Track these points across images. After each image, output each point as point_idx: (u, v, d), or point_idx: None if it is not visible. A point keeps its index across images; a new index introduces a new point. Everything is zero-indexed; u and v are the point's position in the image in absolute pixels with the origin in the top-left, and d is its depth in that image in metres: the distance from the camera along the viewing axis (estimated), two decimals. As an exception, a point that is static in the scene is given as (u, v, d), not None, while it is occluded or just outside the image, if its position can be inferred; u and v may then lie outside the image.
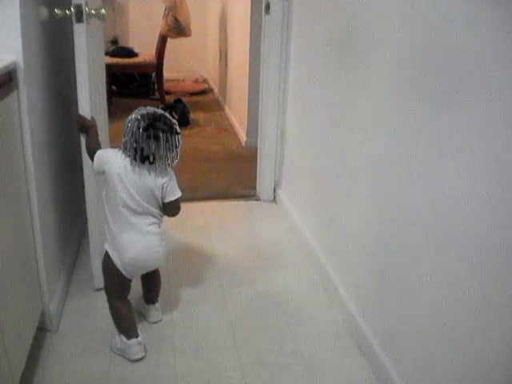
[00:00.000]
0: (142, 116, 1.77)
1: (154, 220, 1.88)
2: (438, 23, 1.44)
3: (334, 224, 2.32)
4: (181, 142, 1.82)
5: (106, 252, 1.88)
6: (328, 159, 2.37)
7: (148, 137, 1.74)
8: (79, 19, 1.94)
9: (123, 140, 1.80)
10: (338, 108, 2.21)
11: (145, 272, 2.01)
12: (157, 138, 1.75)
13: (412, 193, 1.60)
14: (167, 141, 1.77)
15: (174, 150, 1.81)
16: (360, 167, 1.99)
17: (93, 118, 2.06)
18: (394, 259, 1.74)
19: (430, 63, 1.48)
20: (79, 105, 2.02)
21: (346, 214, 2.16)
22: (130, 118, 1.79)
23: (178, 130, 1.81)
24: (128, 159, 1.79)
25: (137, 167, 1.79)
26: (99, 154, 1.87)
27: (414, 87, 1.57)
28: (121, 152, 1.82)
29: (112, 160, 1.82)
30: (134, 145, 1.76)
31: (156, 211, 1.88)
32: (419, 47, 1.53)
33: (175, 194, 1.89)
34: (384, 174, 1.79)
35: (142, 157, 1.78)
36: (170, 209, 1.91)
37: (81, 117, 2.01)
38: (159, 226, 1.91)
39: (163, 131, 1.76)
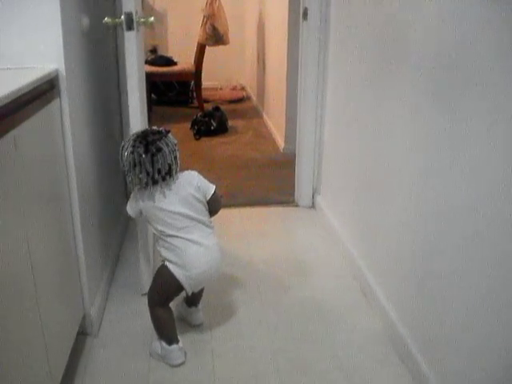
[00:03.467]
0: (133, 146, 1.80)
1: (209, 230, 1.91)
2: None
3: (373, 230, 2.30)
4: (175, 138, 1.86)
5: (166, 266, 1.88)
6: (367, 166, 2.34)
7: (153, 155, 1.78)
8: (130, 27, 2.00)
9: (134, 180, 1.84)
10: (378, 116, 2.19)
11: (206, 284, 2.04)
12: (159, 150, 1.78)
13: (451, 202, 1.58)
14: (167, 145, 1.81)
15: (176, 148, 1.84)
16: (399, 175, 1.97)
17: None
18: (434, 266, 1.71)
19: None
20: (130, 110, 2.06)
21: (385, 221, 2.13)
22: (122, 156, 1.83)
23: (166, 129, 1.86)
24: (154, 189, 1.83)
25: (161, 188, 1.83)
26: (131, 210, 1.94)
27: (453, 97, 1.55)
28: (141, 190, 1.87)
29: (139, 200, 1.88)
30: (149, 171, 1.79)
31: (206, 219, 1.91)
32: (451, 58, 1.51)
33: (211, 187, 1.92)
34: (423, 183, 1.77)
35: (162, 176, 1.81)
36: (214, 204, 1.95)
37: None
38: (215, 236, 1.94)
39: (159, 140, 1.80)
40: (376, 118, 2.21)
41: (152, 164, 1.78)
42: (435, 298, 1.71)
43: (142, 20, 2.12)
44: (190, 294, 1.94)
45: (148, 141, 1.79)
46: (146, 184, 1.82)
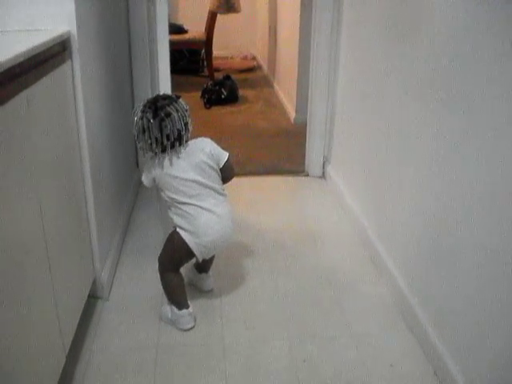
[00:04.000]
0: (142, 111, 1.79)
1: (221, 198, 1.91)
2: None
3: (383, 200, 2.29)
4: (187, 104, 1.85)
5: (177, 233, 1.88)
6: (379, 136, 2.33)
7: (162, 119, 1.77)
8: None
9: (143, 145, 1.84)
10: (391, 83, 2.17)
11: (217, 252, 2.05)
12: (168, 115, 1.77)
13: (465, 172, 1.56)
14: (177, 110, 1.79)
15: (186, 114, 1.83)
16: (413, 145, 1.95)
17: None
18: (445, 236, 1.70)
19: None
20: (159, 74, 2.07)
21: (396, 190, 2.12)
22: (134, 121, 1.82)
23: (177, 94, 1.85)
24: (162, 156, 1.83)
25: (174, 155, 1.82)
26: (146, 179, 1.92)
27: (468, 78, 1.53)
28: (152, 158, 1.87)
29: (152, 168, 1.87)
30: (157, 136, 1.78)
31: (218, 187, 1.90)
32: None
33: (224, 154, 1.92)
34: (438, 151, 1.75)
35: (171, 142, 1.80)
36: (228, 171, 1.94)
37: None
38: (228, 203, 1.93)
39: (168, 105, 1.79)
40: (390, 87, 2.19)
41: (160, 129, 1.77)
42: (445, 267, 1.71)
43: None
44: (200, 260, 1.95)
45: (157, 106, 1.78)
46: (156, 150, 1.82)
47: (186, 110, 1.83)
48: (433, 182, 1.78)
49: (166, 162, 1.83)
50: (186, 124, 1.82)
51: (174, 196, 1.85)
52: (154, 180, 1.89)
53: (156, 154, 1.84)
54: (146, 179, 1.92)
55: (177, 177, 1.83)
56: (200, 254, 1.89)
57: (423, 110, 1.85)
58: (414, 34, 1.92)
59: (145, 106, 1.81)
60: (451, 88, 1.64)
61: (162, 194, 1.89)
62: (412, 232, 1.97)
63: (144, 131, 1.79)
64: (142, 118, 1.79)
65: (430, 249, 1.81)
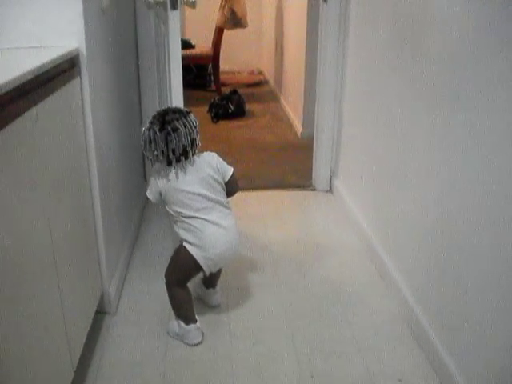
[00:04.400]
0: (151, 122, 1.81)
1: (227, 211, 1.92)
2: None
3: (391, 214, 2.29)
4: (196, 120, 1.85)
5: (184, 247, 1.88)
6: (386, 150, 2.33)
7: (168, 133, 1.77)
8: (174, 6, 2.03)
9: (149, 156, 1.84)
10: (399, 98, 2.18)
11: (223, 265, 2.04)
12: (175, 129, 1.78)
13: (473, 185, 1.56)
14: (185, 126, 1.80)
15: (195, 130, 1.83)
16: (420, 158, 1.95)
17: None
18: (453, 249, 1.70)
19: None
20: (172, 91, 2.09)
21: (405, 204, 2.12)
22: (141, 131, 1.84)
23: (187, 110, 1.86)
24: (169, 169, 1.84)
25: (180, 169, 1.83)
26: (152, 195, 1.91)
27: (472, 83, 1.53)
28: (157, 170, 1.87)
29: (158, 181, 1.86)
30: (163, 149, 1.79)
31: (224, 200, 1.91)
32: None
33: (229, 168, 1.93)
34: (443, 166, 1.75)
35: (176, 157, 1.81)
36: (232, 186, 1.95)
37: None
38: (233, 217, 1.94)
39: (177, 120, 1.79)
40: (397, 102, 2.19)
41: (166, 143, 1.78)
42: (453, 281, 1.70)
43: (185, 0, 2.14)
44: (208, 274, 1.95)
45: (165, 119, 1.79)
46: (162, 161, 1.83)
47: (195, 126, 1.84)
48: (441, 196, 1.78)
49: (172, 175, 1.84)
50: (193, 140, 1.83)
51: (179, 210, 1.86)
52: (159, 194, 1.89)
53: (162, 164, 1.85)
54: (150, 194, 1.91)
55: (183, 190, 1.84)
56: (207, 268, 1.90)
57: (432, 124, 1.85)
58: (423, 50, 1.93)
59: (154, 117, 1.83)
60: (461, 101, 1.64)
61: (168, 208, 1.89)
62: (420, 245, 1.97)
63: (150, 142, 1.80)
64: (149, 129, 1.80)
65: (438, 262, 1.81)
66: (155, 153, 1.81)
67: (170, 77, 2.11)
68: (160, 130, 1.78)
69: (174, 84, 2.09)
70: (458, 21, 1.64)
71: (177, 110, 1.84)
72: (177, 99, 2.10)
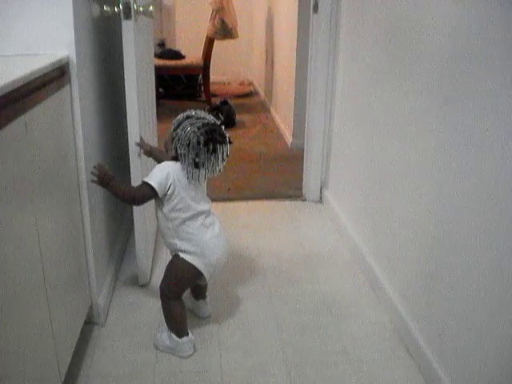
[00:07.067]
0: (199, 128, 1.75)
1: (215, 217, 1.92)
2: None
3: (382, 225, 2.29)
4: (229, 152, 1.83)
5: (182, 259, 1.86)
6: (376, 160, 2.33)
7: (208, 151, 1.75)
8: (127, 16, 1.96)
9: (180, 152, 1.77)
10: (388, 110, 2.18)
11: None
12: (215, 151, 1.76)
13: (463, 195, 1.56)
14: (223, 152, 1.79)
15: (226, 159, 1.82)
16: (410, 169, 1.95)
17: (141, 138, 2.12)
18: (445, 260, 1.69)
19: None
20: (127, 102, 2.04)
21: (396, 215, 2.12)
22: (184, 126, 1.76)
23: (230, 139, 1.83)
24: (184, 169, 1.79)
25: (194, 176, 1.80)
26: (156, 182, 1.79)
27: (462, 92, 1.53)
28: (172, 165, 1.81)
29: (171, 178, 1.79)
30: (196, 159, 1.76)
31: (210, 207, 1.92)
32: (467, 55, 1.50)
33: None
34: (434, 176, 1.75)
35: (198, 166, 1.78)
36: None
37: (100, 167, 1.85)
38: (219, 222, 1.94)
39: (220, 143, 1.77)
40: (386, 113, 2.19)
41: (198, 155, 1.75)
42: (444, 292, 1.70)
43: (141, 9, 2.07)
44: (208, 281, 1.96)
45: (213, 137, 1.75)
46: (187, 164, 1.78)
47: (227, 156, 1.81)
48: (433, 207, 1.78)
49: (186, 177, 1.80)
50: (219, 170, 1.82)
51: (179, 212, 1.82)
52: (167, 187, 1.80)
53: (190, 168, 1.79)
54: (156, 183, 1.78)
55: (192, 192, 1.82)
56: (208, 274, 1.89)
57: (422, 134, 1.85)
58: (413, 55, 1.93)
59: (205, 125, 1.76)
60: (454, 113, 1.65)
61: (165, 210, 1.84)
62: (411, 256, 1.97)
63: (188, 144, 1.75)
64: (194, 132, 1.74)
65: (430, 273, 1.80)
66: (184, 153, 1.76)
67: (126, 94, 2.03)
68: (204, 144, 1.74)
69: (129, 96, 2.03)
70: (451, 26, 1.64)
71: (224, 134, 1.80)
72: (133, 114, 2.04)
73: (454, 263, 1.63)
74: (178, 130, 1.78)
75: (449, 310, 1.68)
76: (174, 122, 1.82)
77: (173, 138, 1.80)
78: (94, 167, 1.84)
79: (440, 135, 1.70)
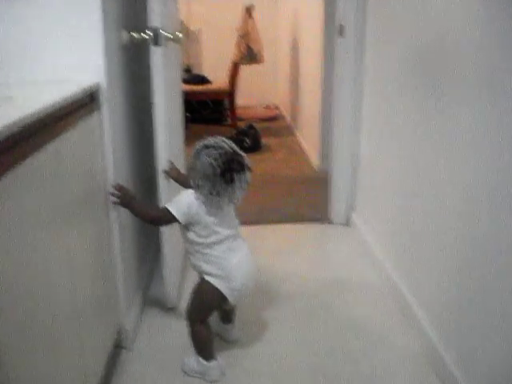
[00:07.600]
0: (216, 159, 1.73)
1: (243, 241, 1.92)
2: None
3: (412, 249, 2.25)
4: (250, 177, 1.80)
5: (207, 282, 1.86)
6: (407, 183, 2.31)
7: (226, 181, 1.74)
8: (156, 42, 1.99)
9: (196, 183, 1.77)
10: (416, 132, 2.16)
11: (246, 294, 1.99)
12: (232, 181, 1.75)
13: (500, 221, 1.53)
14: (240, 181, 1.77)
15: (245, 187, 1.80)
16: (442, 192, 1.93)
17: (170, 162, 2.13)
18: (479, 288, 1.66)
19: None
20: (155, 127, 2.06)
21: (427, 238, 2.08)
22: (201, 157, 1.76)
23: (249, 165, 1.80)
24: (214, 198, 1.78)
25: (217, 205, 1.80)
26: (178, 212, 1.80)
27: (496, 108, 1.52)
28: (191, 194, 1.81)
29: (193, 208, 1.79)
30: (212, 191, 1.75)
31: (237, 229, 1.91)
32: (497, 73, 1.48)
33: None
34: (469, 200, 1.72)
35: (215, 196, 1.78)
36: None
37: (119, 188, 1.91)
38: (246, 244, 1.93)
39: (237, 172, 1.75)
40: (416, 135, 2.18)
41: (214, 186, 1.74)
42: (477, 320, 1.66)
43: (170, 35, 2.11)
44: (233, 305, 1.95)
45: (230, 167, 1.74)
46: (204, 194, 1.78)
47: (247, 184, 1.79)
48: (467, 231, 1.75)
49: (207, 202, 1.79)
50: (237, 199, 1.81)
51: (205, 237, 1.82)
52: (188, 215, 1.80)
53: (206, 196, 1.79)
54: (178, 213, 1.80)
55: (215, 216, 1.80)
56: (233, 299, 1.87)
57: (454, 159, 1.83)
58: (441, 84, 1.92)
59: (222, 154, 1.75)
60: (483, 137, 1.63)
61: (189, 235, 1.85)
62: (442, 282, 1.93)
63: (204, 173, 1.74)
64: (211, 164, 1.73)
65: (463, 299, 1.77)
66: (202, 186, 1.76)
67: (154, 120, 2.05)
68: (220, 175, 1.73)
69: (158, 121, 2.04)
70: (475, 51, 1.63)
71: (242, 163, 1.77)
72: (162, 139, 2.06)
73: (489, 291, 1.60)
74: (195, 160, 1.78)
75: (484, 338, 1.63)
76: (193, 150, 1.80)
77: (190, 168, 1.81)
78: (114, 187, 1.87)
79: (478, 155, 1.68)
